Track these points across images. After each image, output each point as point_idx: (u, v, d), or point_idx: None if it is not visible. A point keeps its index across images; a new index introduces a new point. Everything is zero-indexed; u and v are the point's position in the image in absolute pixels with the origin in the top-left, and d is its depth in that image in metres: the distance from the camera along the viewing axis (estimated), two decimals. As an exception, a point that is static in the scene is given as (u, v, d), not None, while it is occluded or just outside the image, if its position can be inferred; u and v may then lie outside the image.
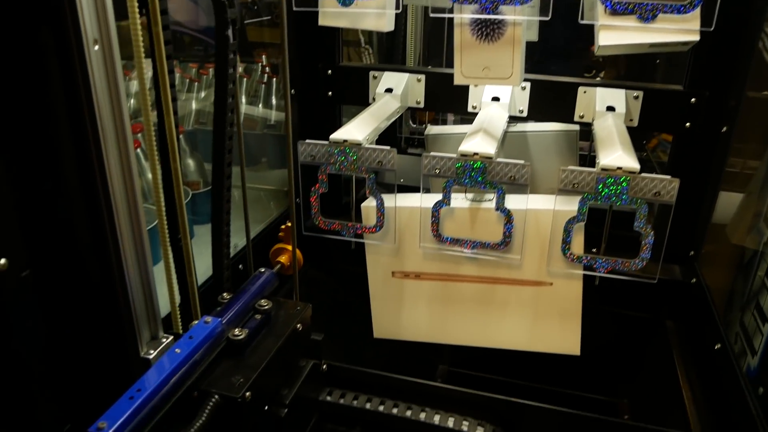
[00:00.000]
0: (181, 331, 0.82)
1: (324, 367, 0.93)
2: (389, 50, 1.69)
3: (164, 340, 0.78)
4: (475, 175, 0.99)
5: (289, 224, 0.92)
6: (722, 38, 1.05)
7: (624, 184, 0.93)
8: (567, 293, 1.07)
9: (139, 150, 1.24)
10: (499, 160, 0.97)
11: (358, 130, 1.05)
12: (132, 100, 1.78)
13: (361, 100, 1.29)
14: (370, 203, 1.09)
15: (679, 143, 1.20)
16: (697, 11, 0.82)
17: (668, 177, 0.91)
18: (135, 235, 0.71)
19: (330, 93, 1.34)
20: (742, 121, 1.13)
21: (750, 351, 1.05)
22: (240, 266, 1.11)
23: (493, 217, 1.04)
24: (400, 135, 1.75)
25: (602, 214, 1.03)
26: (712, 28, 0.83)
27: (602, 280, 1.08)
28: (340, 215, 1.12)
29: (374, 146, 1.02)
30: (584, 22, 0.89)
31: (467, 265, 1.10)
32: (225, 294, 0.85)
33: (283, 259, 0.96)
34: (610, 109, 1.13)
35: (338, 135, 1.04)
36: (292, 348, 0.83)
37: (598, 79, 1.38)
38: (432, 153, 0.99)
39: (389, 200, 1.07)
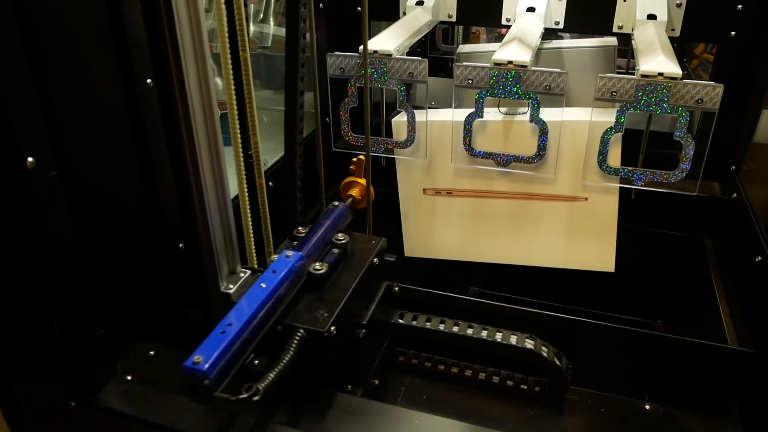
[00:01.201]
0: (255, 265, 0.81)
1: (396, 289, 0.91)
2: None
3: (242, 274, 0.77)
4: (510, 84, 0.96)
5: (362, 157, 0.89)
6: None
7: (665, 90, 0.89)
8: (602, 208, 1.05)
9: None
10: (533, 68, 0.94)
11: (388, 40, 1.02)
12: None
13: (392, 15, 1.25)
14: (400, 118, 1.06)
15: (723, 53, 1.15)
16: None
17: (712, 83, 0.88)
18: (214, 165, 0.70)
19: (359, 8, 1.30)
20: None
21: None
22: (270, 183, 1.10)
23: (527, 130, 1.02)
24: (432, 54, 1.70)
25: (637, 135, 1.00)
26: None
27: (638, 199, 1.05)
28: (374, 131, 1.10)
29: (405, 57, 0.99)
30: None
31: (500, 180, 1.08)
32: (300, 228, 0.83)
33: (355, 192, 0.92)
34: (651, 17, 1.08)
35: (368, 46, 1.01)
36: (369, 281, 0.83)
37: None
38: (465, 63, 0.96)
39: (420, 115, 1.05)
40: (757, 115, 1.14)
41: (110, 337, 0.73)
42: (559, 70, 0.93)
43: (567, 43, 1.26)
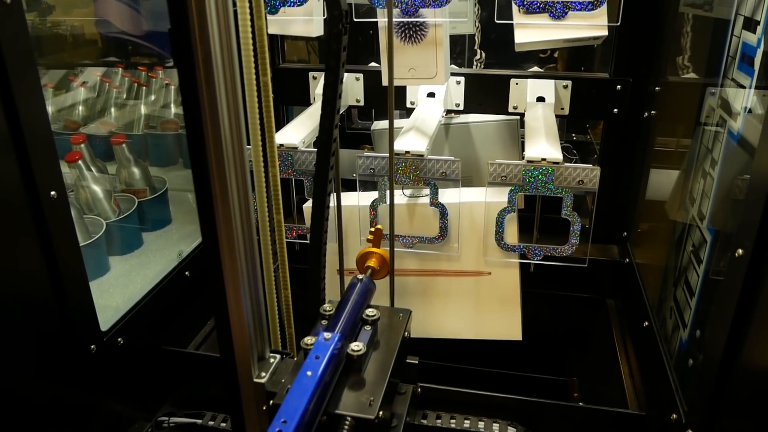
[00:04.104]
0: (280, 347, 0.78)
1: (419, 390, 0.90)
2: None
3: (272, 360, 0.73)
4: (409, 172, 1.02)
5: (380, 227, 0.91)
6: (641, 27, 1.09)
7: (549, 174, 0.97)
8: (505, 281, 1.11)
9: (80, 162, 1.23)
10: (429, 157, 1.01)
11: (294, 133, 1.07)
12: (80, 107, 1.77)
13: (303, 100, 1.31)
14: (310, 204, 1.11)
15: (608, 129, 1.24)
16: (604, 8, 0.86)
17: (590, 166, 0.95)
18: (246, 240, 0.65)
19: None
20: (676, 101, 1.17)
21: (682, 325, 1.10)
22: (186, 272, 1.13)
23: (430, 212, 1.08)
24: (350, 130, 1.77)
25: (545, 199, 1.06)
26: (618, 23, 0.86)
27: (546, 264, 1.12)
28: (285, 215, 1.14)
29: (311, 149, 1.05)
30: (500, 21, 0.93)
31: (409, 259, 1.13)
32: (326, 306, 0.82)
33: (373, 262, 0.91)
34: (541, 99, 1.17)
35: (276, 139, 1.06)
36: (402, 356, 0.82)
37: (529, 71, 1.41)
38: (365, 153, 1.03)
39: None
40: (639, 185, 1.23)
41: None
42: (453, 158, 1.00)
43: (474, 117, 1.34)
